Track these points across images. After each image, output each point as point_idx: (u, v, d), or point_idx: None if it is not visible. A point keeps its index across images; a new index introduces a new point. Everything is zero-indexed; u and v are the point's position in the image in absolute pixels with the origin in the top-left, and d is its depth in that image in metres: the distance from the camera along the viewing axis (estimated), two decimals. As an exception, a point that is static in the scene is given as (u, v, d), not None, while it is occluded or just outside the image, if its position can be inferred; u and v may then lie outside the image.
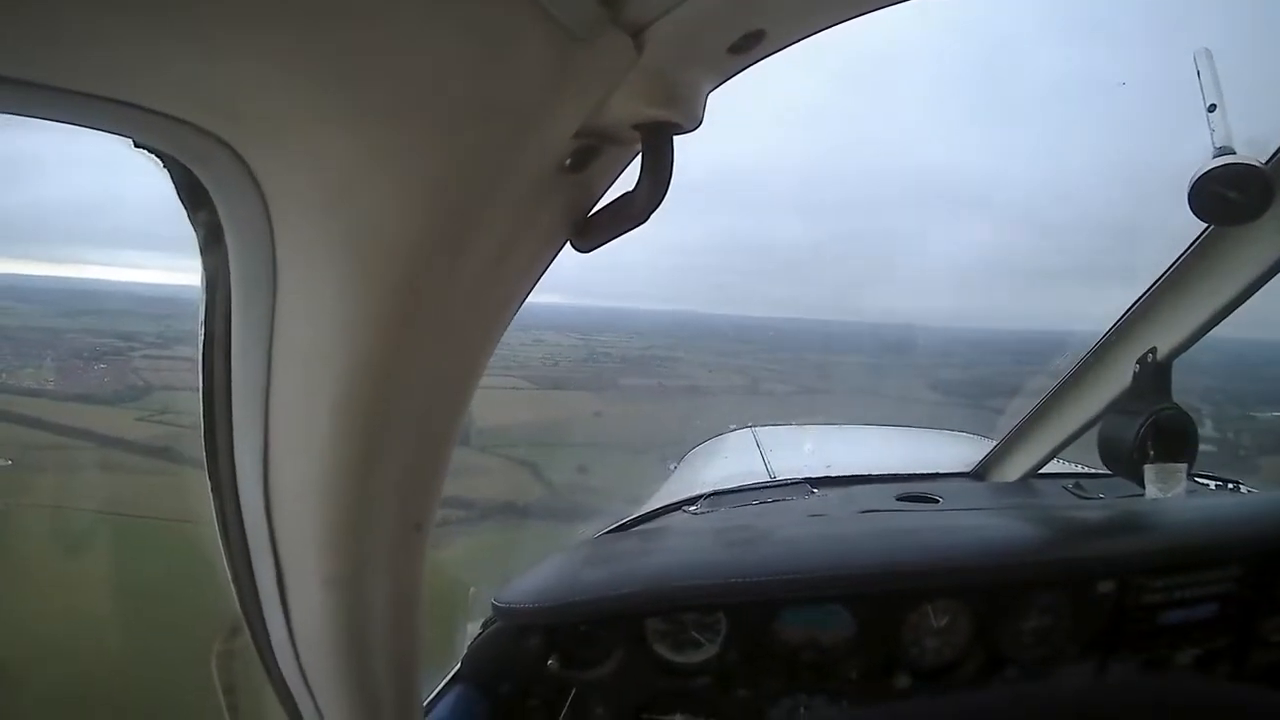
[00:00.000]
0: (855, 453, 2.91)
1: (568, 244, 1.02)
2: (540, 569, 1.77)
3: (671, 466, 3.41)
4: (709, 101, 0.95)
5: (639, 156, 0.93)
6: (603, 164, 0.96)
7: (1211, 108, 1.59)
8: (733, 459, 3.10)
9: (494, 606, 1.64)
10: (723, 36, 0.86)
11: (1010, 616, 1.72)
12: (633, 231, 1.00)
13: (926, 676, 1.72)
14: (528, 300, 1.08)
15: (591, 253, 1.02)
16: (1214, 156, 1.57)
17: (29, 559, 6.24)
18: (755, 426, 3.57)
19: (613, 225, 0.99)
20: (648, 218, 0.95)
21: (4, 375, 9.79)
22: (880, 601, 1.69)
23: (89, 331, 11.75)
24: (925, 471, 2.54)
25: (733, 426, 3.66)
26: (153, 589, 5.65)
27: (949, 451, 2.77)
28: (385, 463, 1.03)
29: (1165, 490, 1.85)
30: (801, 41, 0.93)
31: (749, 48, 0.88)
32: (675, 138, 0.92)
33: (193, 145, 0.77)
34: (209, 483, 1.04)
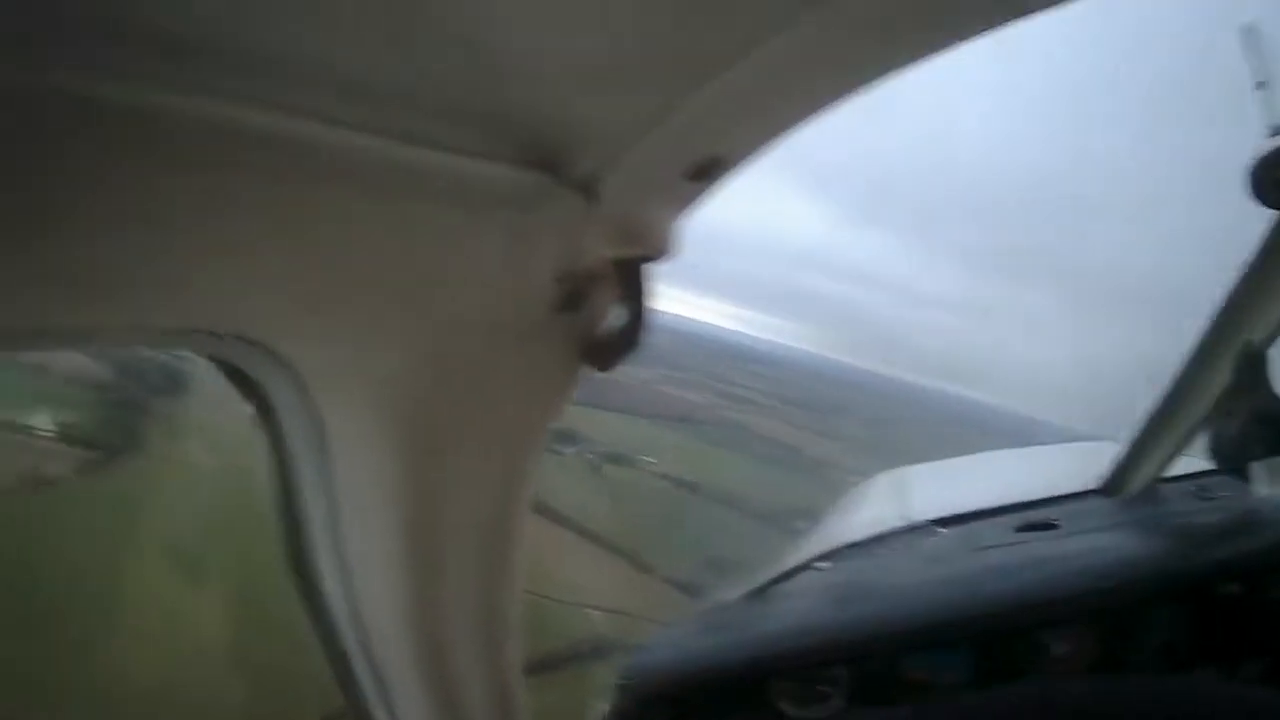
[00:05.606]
0: (986, 484, 2.83)
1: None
2: (661, 640, 1.88)
3: (800, 525, 3.36)
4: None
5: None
6: (594, 299, 1.01)
7: (1260, 85, 1.54)
8: (872, 507, 3.08)
9: (618, 685, 1.72)
10: (675, 171, 0.91)
11: (1134, 634, 1.69)
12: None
13: None
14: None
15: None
16: (1270, 136, 1.53)
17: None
18: (898, 468, 3.52)
19: (616, 350, 1.06)
20: (638, 341, 1.03)
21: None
22: (999, 637, 1.70)
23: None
24: (1051, 495, 2.47)
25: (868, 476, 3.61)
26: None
27: (1083, 466, 2.67)
28: (454, 581, 1.17)
29: (1277, 485, 1.77)
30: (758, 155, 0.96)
31: (707, 174, 0.93)
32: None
33: (239, 352, 0.91)
34: (305, 606, 1.17)
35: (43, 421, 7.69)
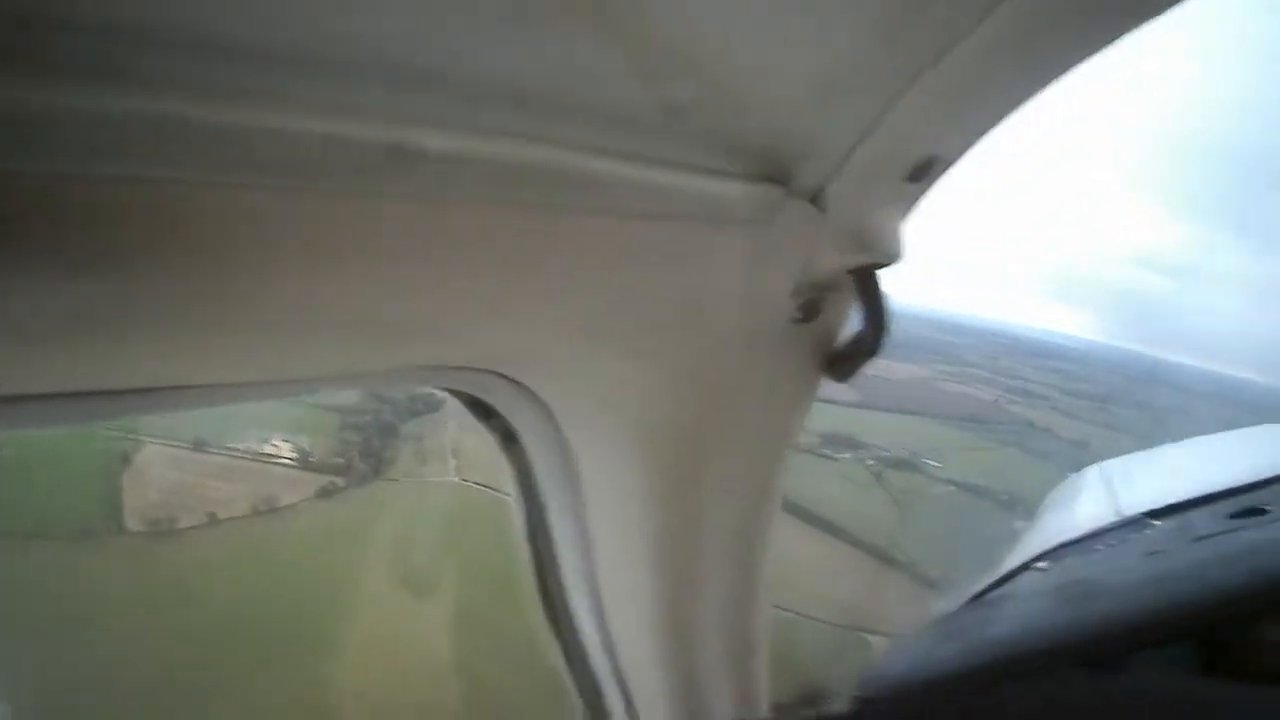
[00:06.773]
0: (1197, 470, 2.69)
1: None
2: (896, 653, 1.79)
3: (1017, 525, 3.27)
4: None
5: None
6: (830, 309, 1.02)
7: None
8: (1082, 503, 2.98)
9: (855, 699, 1.61)
10: (896, 174, 0.91)
11: None
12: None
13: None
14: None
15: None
16: None
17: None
18: (1103, 462, 3.39)
19: (855, 359, 1.07)
20: (879, 349, 1.03)
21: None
22: (1222, 630, 1.61)
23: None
24: (1260, 479, 2.34)
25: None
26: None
27: None
28: (706, 599, 1.18)
29: None
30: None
31: (925, 174, 0.93)
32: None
33: (480, 383, 0.94)
34: (551, 631, 1.23)
35: (284, 449, 7.82)
